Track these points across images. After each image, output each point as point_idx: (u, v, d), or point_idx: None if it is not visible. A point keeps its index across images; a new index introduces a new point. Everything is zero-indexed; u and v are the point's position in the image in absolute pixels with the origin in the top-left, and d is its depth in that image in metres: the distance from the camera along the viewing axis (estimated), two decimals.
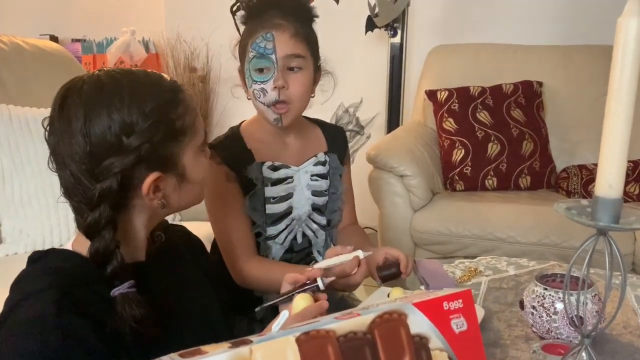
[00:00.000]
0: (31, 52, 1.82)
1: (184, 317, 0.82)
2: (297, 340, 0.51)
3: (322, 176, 1.20)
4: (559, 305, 0.93)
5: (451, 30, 2.71)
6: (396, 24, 2.55)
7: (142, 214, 0.76)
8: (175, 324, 0.79)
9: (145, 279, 0.76)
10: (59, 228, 1.51)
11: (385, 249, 1.14)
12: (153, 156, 0.71)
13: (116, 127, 0.69)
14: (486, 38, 2.54)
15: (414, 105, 2.55)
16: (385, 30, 2.57)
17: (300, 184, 1.18)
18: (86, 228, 0.70)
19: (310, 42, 1.11)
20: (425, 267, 1.32)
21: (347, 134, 1.32)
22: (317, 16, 1.12)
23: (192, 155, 0.76)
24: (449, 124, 2.24)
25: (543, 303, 0.94)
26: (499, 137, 2.19)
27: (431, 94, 2.34)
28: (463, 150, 2.19)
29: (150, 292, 0.77)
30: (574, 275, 0.99)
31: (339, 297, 1.30)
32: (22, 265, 0.77)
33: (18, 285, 0.71)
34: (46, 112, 1.58)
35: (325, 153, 1.22)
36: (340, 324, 0.54)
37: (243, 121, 1.21)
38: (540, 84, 2.33)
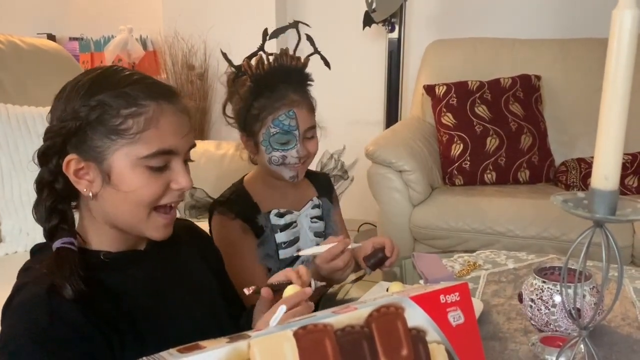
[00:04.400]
0: (29, 51, 1.81)
1: (184, 306, 0.83)
2: (295, 334, 0.51)
3: (319, 218, 1.30)
4: (558, 298, 0.93)
5: (449, 24, 2.71)
6: (394, 19, 2.55)
7: (92, 205, 0.77)
8: (174, 312, 0.81)
9: (141, 266, 0.80)
10: None
11: (372, 239, 1.19)
12: (80, 139, 0.73)
13: (59, 113, 0.74)
14: (484, 32, 2.54)
15: (412, 101, 2.54)
16: (382, 25, 2.57)
17: (304, 227, 1.27)
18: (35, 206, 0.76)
19: (314, 109, 1.22)
20: (423, 261, 1.32)
21: (332, 178, 1.42)
22: (313, 81, 1.23)
23: (126, 161, 0.73)
24: (448, 119, 2.24)
25: (541, 296, 0.95)
26: (498, 131, 2.19)
27: (429, 89, 2.34)
28: (462, 145, 2.19)
29: (146, 279, 0.80)
30: (572, 268, 0.99)
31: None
32: (22, 264, 0.78)
33: (21, 275, 0.75)
34: (44, 111, 1.60)
35: (317, 197, 1.32)
36: (338, 317, 0.54)
37: (244, 176, 1.30)
38: (538, 77, 2.33)
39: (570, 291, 0.84)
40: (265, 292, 0.85)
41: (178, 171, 0.76)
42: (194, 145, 0.80)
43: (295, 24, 1.22)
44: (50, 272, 0.70)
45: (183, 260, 0.88)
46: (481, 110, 2.23)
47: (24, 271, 0.76)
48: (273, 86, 1.16)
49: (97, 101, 0.73)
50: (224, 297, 0.95)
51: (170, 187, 0.76)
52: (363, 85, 2.86)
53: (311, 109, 1.20)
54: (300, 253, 1.14)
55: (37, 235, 1.50)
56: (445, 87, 2.29)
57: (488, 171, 2.17)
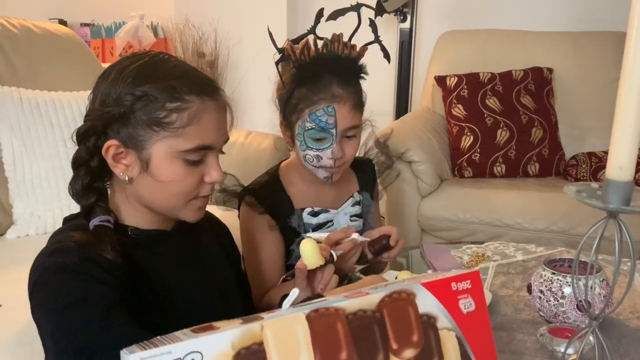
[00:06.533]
0: (41, 35, 1.82)
1: (200, 287, 0.85)
2: (307, 317, 0.52)
3: (359, 215, 1.22)
4: (567, 290, 0.93)
5: (461, 15, 2.69)
6: (406, 9, 2.53)
7: (127, 188, 0.79)
8: (191, 292, 0.83)
9: (165, 245, 0.82)
10: (69, 210, 1.52)
11: (380, 228, 1.15)
12: (122, 125, 0.75)
13: (103, 97, 0.75)
14: (496, 24, 2.52)
15: (423, 92, 2.53)
16: (394, 15, 2.55)
17: (341, 226, 1.18)
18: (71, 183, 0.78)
19: (363, 106, 1.12)
20: (432, 251, 1.32)
21: (376, 167, 1.30)
22: (367, 73, 1.11)
23: (165, 153, 0.75)
24: (458, 110, 2.23)
25: (551, 287, 0.95)
26: (508, 123, 2.18)
27: (440, 80, 2.33)
28: (472, 137, 2.18)
29: (169, 257, 0.82)
30: (582, 260, 0.99)
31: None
32: (33, 246, 0.79)
33: (50, 240, 0.77)
34: (56, 96, 1.60)
35: (359, 192, 1.23)
36: (350, 302, 0.54)
37: (281, 162, 1.21)
38: (550, 70, 2.31)
39: (581, 283, 0.84)
40: (300, 264, 0.87)
41: (212, 165, 0.79)
42: (228, 139, 0.82)
43: (357, 7, 1.09)
44: (89, 245, 0.72)
45: (204, 246, 0.90)
46: (492, 102, 2.22)
47: (58, 234, 0.78)
48: (317, 75, 1.04)
49: (142, 92, 0.74)
50: (239, 288, 0.97)
51: (203, 180, 0.79)
52: (373, 75, 2.83)
53: (357, 105, 1.08)
54: (306, 236, 1.08)
55: (47, 218, 1.53)
56: (456, 79, 2.28)
57: (498, 164, 2.16)
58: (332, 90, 1.05)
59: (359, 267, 1.20)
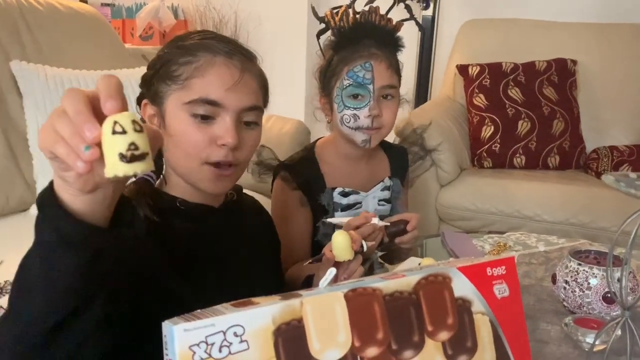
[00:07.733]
0: (66, 13, 1.82)
1: (240, 270, 0.84)
2: (345, 296, 0.52)
3: (387, 201, 1.22)
4: (593, 281, 0.93)
5: (484, 4, 2.65)
6: None
7: (165, 155, 0.81)
8: (229, 273, 0.83)
9: (211, 221, 0.83)
10: None
11: (399, 214, 1.13)
12: (151, 86, 0.80)
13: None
14: (520, 13, 2.49)
15: (444, 80, 2.51)
16: (417, 2, 2.53)
17: (368, 209, 1.19)
18: None
19: (399, 72, 1.15)
20: (453, 239, 1.32)
21: (410, 156, 1.32)
22: (404, 46, 1.15)
23: (174, 106, 0.76)
24: (480, 100, 2.21)
25: (576, 278, 0.94)
26: (530, 115, 2.16)
27: (462, 69, 2.31)
28: (492, 127, 2.16)
29: (213, 233, 0.83)
30: (603, 251, 0.99)
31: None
32: None
33: None
34: (81, 74, 1.61)
35: (390, 177, 1.24)
36: (387, 283, 0.54)
37: (318, 139, 1.23)
38: (574, 62, 2.28)
39: (617, 274, 0.84)
40: (328, 254, 0.84)
41: (223, 126, 0.75)
42: (255, 107, 0.79)
43: None
44: (123, 197, 0.73)
45: (247, 229, 0.90)
46: (514, 92, 2.19)
47: None
48: (356, 41, 1.08)
49: (166, 52, 0.79)
50: (273, 279, 0.97)
51: (216, 143, 0.76)
52: None
53: (394, 67, 1.11)
54: (327, 221, 1.09)
55: None
56: (478, 68, 2.26)
57: (518, 155, 2.15)
58: (369, 49, 1.08)
59: (380, 253, 1.20)
